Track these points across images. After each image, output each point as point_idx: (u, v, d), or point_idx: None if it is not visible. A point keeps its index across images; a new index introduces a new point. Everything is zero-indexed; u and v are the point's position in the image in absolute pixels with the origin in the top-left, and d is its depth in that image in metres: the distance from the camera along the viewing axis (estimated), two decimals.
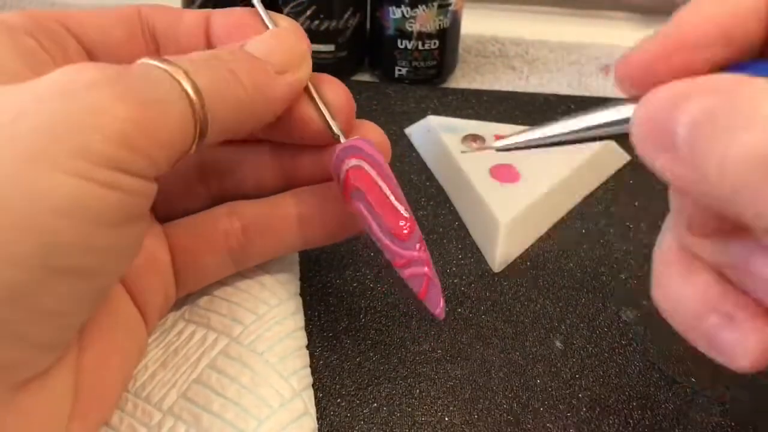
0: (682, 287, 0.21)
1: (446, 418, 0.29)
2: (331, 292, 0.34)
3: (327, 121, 0.27)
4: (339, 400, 0.30)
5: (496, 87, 0.52)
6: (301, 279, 0.34)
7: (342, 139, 0.27)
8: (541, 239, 0.38)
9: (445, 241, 0.38)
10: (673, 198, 0.21)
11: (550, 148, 0.22)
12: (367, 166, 0.27)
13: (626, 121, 0.20)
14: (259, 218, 0.29)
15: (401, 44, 0.48)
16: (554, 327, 0.33)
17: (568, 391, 0.30)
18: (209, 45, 0.28)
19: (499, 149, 0.23)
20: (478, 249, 0.37)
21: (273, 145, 0.30)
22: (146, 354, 0.29)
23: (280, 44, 0.26)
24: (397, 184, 0.27)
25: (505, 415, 0.30)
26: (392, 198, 0.27)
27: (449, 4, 0.47)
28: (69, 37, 0.26)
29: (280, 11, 0.48)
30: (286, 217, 0.29)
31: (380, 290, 0.35)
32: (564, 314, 0.34)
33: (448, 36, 0.49)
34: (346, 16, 0.48)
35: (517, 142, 0.22)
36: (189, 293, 0.30)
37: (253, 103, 0.24)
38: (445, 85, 0.51)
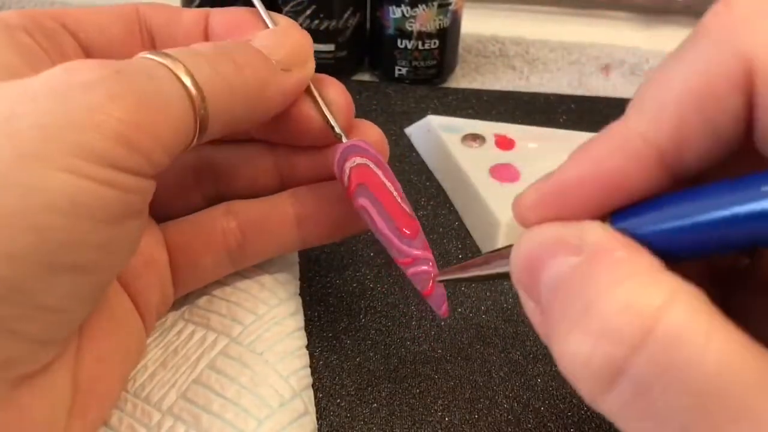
0: None
1: (446, 418, 0.29)
2: (331, 292, 0.34)
3: (328, 120, 0.27)
4: (339, 400, 0.30)
5: (497, 87, 0.52)
6: (301, 279, 0.33)
7: (344, 139, 0.27)
8: None
9: (445, 241, 0.38)
10: None
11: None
12: (372, 165, 0.27)
13: None
14: (256, 218, 0.29)
15: (401, 44, 0.48)
16: None
17: (568, 391, 0.30)
18: None
19: (439, 281, 0.26)
20: (478, 249, 0.37)
21: (270, 146, 0.30)
22: (146, 354, 0.29)
23: (286, 41, 0.26)
24: (399, 186, 0.27)
25: (505, 414, 0.29)
26: (398, 197, 0.27)
27: (449, 4, 0.47)
28: (66, 35, 0.26)
29: (279, 11, 0.48)
30: (284, 217, 0.29)
31: (380, 290, 0.35)
32: None
33: (448, 35, 0.49)
34: (346, 15, 0.48)
35: (457, 277, 0.23)
36: (187, 293, 0.30)
37: (256, 97, 0.25)
38: (445, 85, 0.51)
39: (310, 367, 0.30)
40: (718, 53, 0.16)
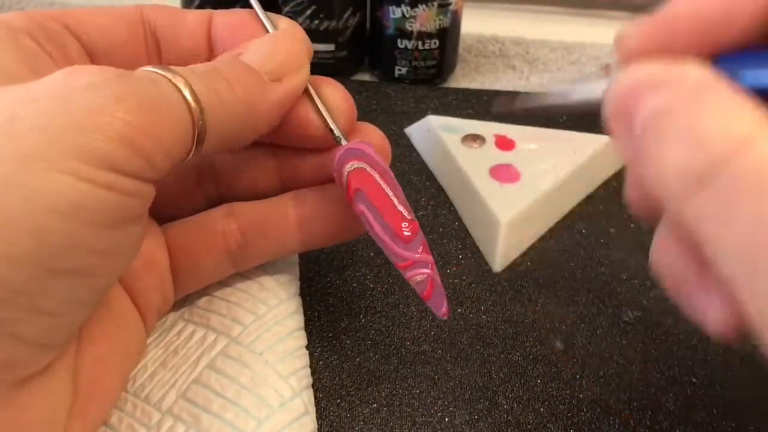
0: (665, 249, 0.21)
1: (446, 419, 0.29)
2: (331, 292, 0.34)
3: (328, 123, 0.27)
4: (339, 400, 0.30)
5: (497, 87, 0.52)
6: (301, 279, 0.33)
7: (343, 142, 0.27)
8: (541, 239, 0.38)
9: (445, 241, 0.38)
10: None
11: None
12: (369, 168, 0.27)
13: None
14: (257, 219, 0.29)
15: (401, 44, 0.48)
16: (554, 327, 0.33)
17: (568, 392, 0.30)
18: (211, 46, 0.28)
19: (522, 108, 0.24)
20: (478, 249, 0.37)
21: (272, 148, 0.30)
22: (146, 354, 0.29)
23: (277, 50, 0.26)
24: (399, 187, 0.27)
25: (505, 415, 0.29)
26: (395, 200, 0.26)
27: (449, 4, 0.47)
28: (69, 37, 0.26)
29: (279, 11, 0.48)
30: (285, 219, 0.29)
31: (380, 290, 0.35)
32: (564, 314, 0.34)
33: (448, 35, 0.49)
34: (346, 15, 0.48)
35: (535, 106, 0.23)
36: (187, 296, 0.30)
37: (248, 114, 0.25)
38: (445, 85, 0.51)
39: (310, 367, 0.30)
40: None
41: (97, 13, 0.27)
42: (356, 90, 0.47)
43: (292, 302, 0.31)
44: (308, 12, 0.47)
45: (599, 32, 0.57)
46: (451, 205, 0.40)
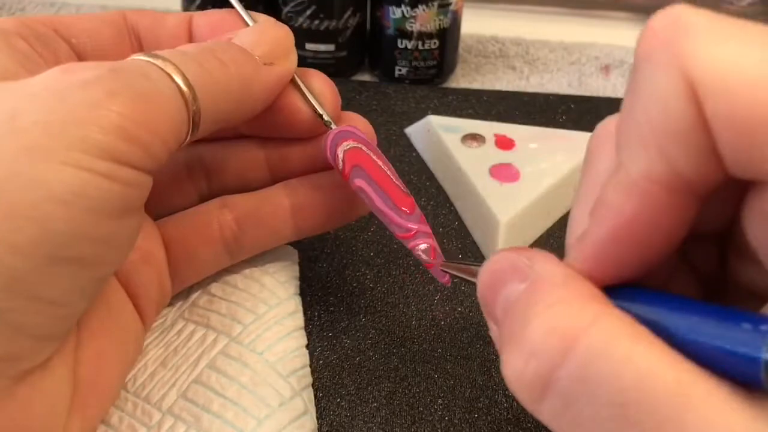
0: None
1: (446, 417, 0.29)
2: (331, 292, 0.34)
3: (316, 109, 0.28)
4: (339, 400, 0.30)
5: (497, 87, 0.52)
6: (301, 279, 0.34)
7: (333, 126, 0.28)
8: (541, 239, 0.38)
9: (445, 241, 0.38)
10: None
11: None
12: (364, 148, 0.28)
13: None
14: (251, 209, 0.30)
15: (401, 44, 0.48)
16: None
17: None
18: None
19: (443, 269, 0.26)
20: (478, 248, 0.37)
21: (260, 141, 0.31)
22: (146, 353, 0.29)
23: (266, 37, 0.27)
24: (392, 168, 0.28)
25: (505, 413, 0.29)
26: (392, 176, 0.28)
27: (449, 4, 0.47)
28: (59, 40, 0.27)
29: (279, 11, 0.48)
30: (279, 208, 0.30)
31: (380, 290, 0.35)
32: None
33: (448, 36, 0.49)
34: (346, 15, 0.48)
35: (459, 276, 0.25)
36: (186, 287, 0.30)
37: (242, 93, 0.25)
38: (445, 85, 0.51)
39: (310, 366, 0.30)
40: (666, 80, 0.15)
41: (84, 18, 0.28)
42: (356, 90, 0.47)
43: (292, 302, 0.31)
44: (308, 12, 0.47)
45: (599, 32, 0.57)
46: (451, 205, 0.40)
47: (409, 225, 0.27)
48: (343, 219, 0.31)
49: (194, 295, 0.31)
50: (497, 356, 0.32)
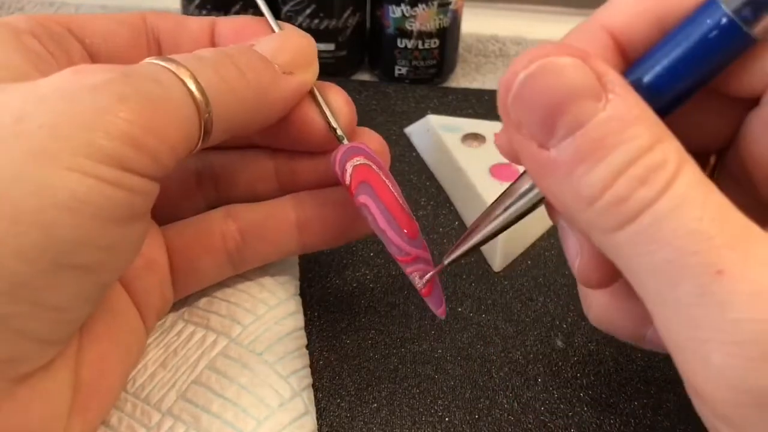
0: (613, 313, 0.23)
1: (447, 418, 0.29)
2: (331, 292, 0.34)
3: (330, 123, 0.28)
4: (339, 400, 0.30)
5: (497, 86, 0.51)
6: (301, 279, 0.33)
7: (345, 142, 0.28)
8: (541, 238, 0.38)
9: (445, 241, 0.38)
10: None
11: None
12: (374, 166, 0.27)
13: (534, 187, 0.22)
14: (256, 221, 0.29)
15: (401, 43, 0.48)
16: (555, 326, 0.33)
17: (569, 391, 0.30)
18: None
19: (449, 264, 0.25)
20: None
21: (271, 152, 0.30)
22: (145, 354, 0.29)
23: (289, 45, 0.27)
24: (400, 191, 0.27)
25: (506, 414, 0.29)
26: (399, 198, 0.27)
27: (449, 3, 0.47)
28: (72, 40, 0.26)
29: (279, 10, 0.48)
30: (284, 221, 0.29)
31: (380, 290, 0.34)
32: (565, 313, 0.34)
33: (448, 35, 0.49)
34: (345, 15, 0.48)
35: (462, 252, 0.25)
36: (186, 297, 0.30)
37: (258, 101, 0.25)
38: (445, 85, 0.51)
39: (310, 367, 0.30)
40: None
41: (99, 18, 0.27)
42: (356, 90, 0.47)
43: (292, 302, 0.31)
44: (308, 11, 0.47)
45: None
46: (451, 205, 0.40)
47: (409, 248, 0.26)
48: (349, 236, 0.30)
49: (194, 297, 0.31)
50: (497, 357, 0.32)
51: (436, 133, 0.42)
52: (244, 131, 0.26)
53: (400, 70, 0.50)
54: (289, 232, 0.29)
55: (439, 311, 0.27)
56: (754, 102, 0.21)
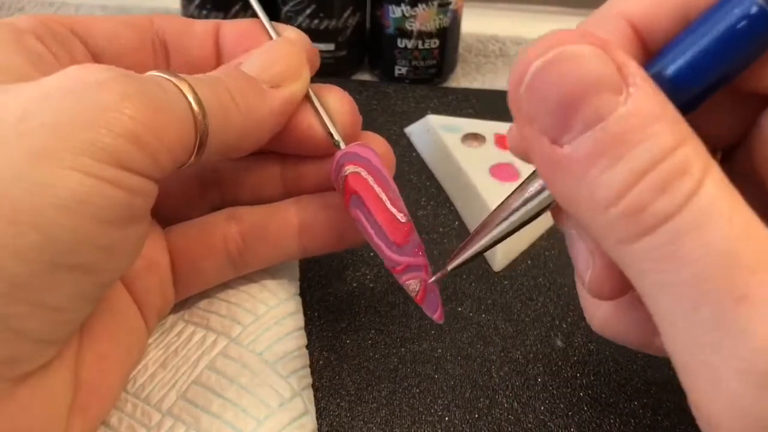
0: (619, 322, 0.22)
1: (447, 418, 0.29)
2: (331, 292, 0.34)
3: (328, 128, 0.28)
4: (339, 400, 0.30)
5: (497, 86, 0.52)
6: (301, 279, 0.33)
7: (342, 146, 0.27)
8: (541, 238, 0.38)
9: (445, 240, 0.38)
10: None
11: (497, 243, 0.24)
12: (363, 173, 0.27)
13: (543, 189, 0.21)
14: (258, 224, 0.29)
15: (401, 43, 0.48)
16: (555, 325, 0.33)
17: (569, 390, 0.30)
18: (218, 54, 0.29)
19: (452, 270, 0.25)
20: None
21: (278, 156, 0.30)
22: (146, 355, 0.29)
23: (276, 58, 0.27)
24: (395, 189, 0.27)
25: (506, 414, 0.29)
26: (388, 204, 0.27)
27: (449, 3, 0.47)
28: (76, 42, 0.26)
29: (279, 11, 0.48)
30: (286, 224, 0.29)
31: (380, 290, 0.35)
32: (565, 313, 0.34)
33: (448, 35, 0.49)
34: (345, 15, 0.48)
35: (466, 258, 0.24)
36: (187, 297, 0.30)
37: (247, 123, 0.25)
38: (445, 85, 0.51)
39: (310, 366, 0.30)
40: None
41: (105, 20, 0.28)
42: (356, 90, 0.47)
43: (292, 302, 0.31)
44: (308, 11, 0.47)
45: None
46: (451, 204, 0.40)
47: (400, 258, 0.26)
48: (350, 241, 0.30)
49: (194, 297, 0.31)
50: (497, 356, 0.32)
51: (436, 133, 0.42)
52: (237, 152, 0.26)
53: (400, 70, 0.50)
54: (290, 235, 0.29)
55: (435, 316, 0.27)
56: None
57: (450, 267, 0.25)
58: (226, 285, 0.31)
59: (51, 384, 0.22)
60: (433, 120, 0.43)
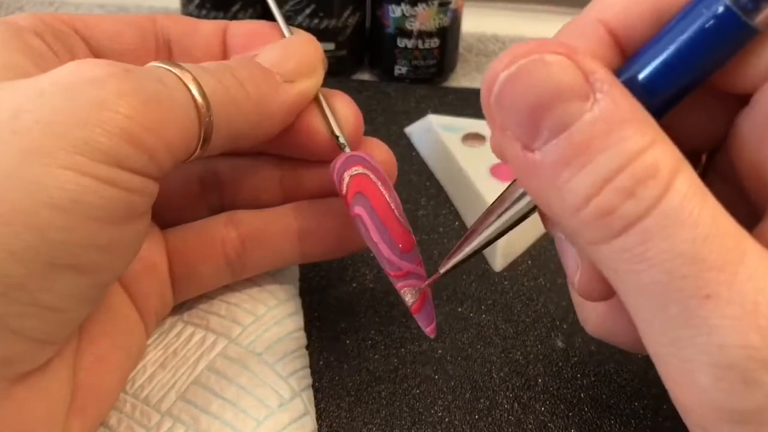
0: (612, 324, 0.23)
1: (446, 419, 0.29)
2: (331, 293, 0.34)
3: (334, 131, 0.27)
4: (339, 401, 0.30)
5: None
6: (301, 279, 0.33)
7: (347, 150, 0.27)
8: (542, 238, 0.38)
9: (445, 241, 0.38)
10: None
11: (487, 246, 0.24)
12: (372, 176, 0.26)
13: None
14: (257, 228, 0.29)
15: (401, 43, 0.48)
16: (555, 326, 0.33)
17: (569, 391, 0.30)
18: (225, 56, 0.28)
19: (444, 273, 0.25)
20: None
21: (276, 160, 0.30)
22: (145, 355, 0.28)
23: (292, 53, 0.27)
24: (399, 203, 0.27)
25: (506, 415, 0.29)
26: (396, 211, 0.26)
27: (449, 3, 0.47)
28: (77, 40, 0.26)
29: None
30: (286, 229, 0.29)
31: (380, 290, 0.34)
32: (565, 313, 0.34)
33: (448, 34, 0.49)
34: (345, 14, 0.48)
35: (458, 260, 0.24)
36: (186, 300, 0.30)
37: (258, 112, 0.25)
38: (445, 84, 0.51)
39: (310, 367, 0.30)
40: None
41: (106, 19, 0.27)
42: (356, 89, 0.47)
43: (292, 303, 0.31)
44: (308, 11, 0.47)
45: None
46: (451, 204, 0.40)
47: (401, 263, 0.26)
48: (350, 247, 0.30)
49: (193, 298, 0.30)
50: (498, 357, 0.32)
51: (437, 133, 0.42)
52: (247, 141, 0.26)
53: (400, 69, 0.49)
54: (289, 240, 0.29)
55: (428, 329, 0.26)
56: (746, 100, 0.20)
57: (442, 270, 0.25)
58: (226, 286, 0.31)
59: (49, 385, 0.22)
60: (433, 120, 0.43)
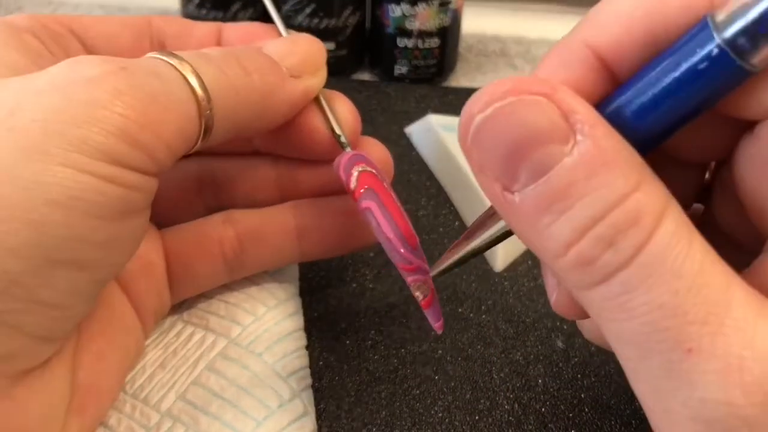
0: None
1: (447, 419, 0.29)
2: (331, 292, 0.34)
3: (335, 130, 0.27)
4: (339, 401, 0.30)
5: None
6: (301, 279, 0.33)
7: (348, 149, 0.27)
8: None
9: (445, 240, 0.37)
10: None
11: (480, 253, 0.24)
12: (378, 175, 0.27)
13: None
14: (255, 227, 0.29)
15: (401, 43, 0.48)
16: (556, 326, 0.33)
17: (569, 392, 0.30)
18: None
19: (436, 276, 0.25)
20: None
21: (273, 159, 0.30)
22: (144, 355, 0.28)
23: (298, 48, 0.26)
24: (401, 204, 0.27)
25: (506, 415, 0.29)
26: (401, 208, 0.26)
27: (449, 2, 0.47)
28: (74, 41, 0.26)
29: (279, 10, 0.48)
30: (284, 228, 0.29)
31: (380, 290, 0.34)
32: None
33: (448, 34, 0.49)
34: (345, 14, 0.48)
35: (450, 263, 0.24)
36: (185, 299, 0.30)
37: (262, 102, 0.25)
38: (445, 84, 0.51)
39: (310, 367, 0.30)
40: None
41: (102, 20, 0.27)
42: (356, 89, 0.47)
43: (292, 303, 0.31)
44: (308, 10, 0.47)
45: None
46: (451, 205, 0.40)
47: (412, 258, 0.26)
48: (349, 246, 0.30)
49: (193, 298, 0.30)
50: (498, 358, 0.32)
51: (437, 133, 0.42)
52: (248, 132, 0.26)
53: (400, 69, 0.49)
54: (288, 238, 0.29)
55: (437, 325, 0.26)
56: (752, 124, 0.19)
57: (432, 273, 0.25)
58: (225, 286, 0.31)
59: (48, 384, 0.22)
60: (433, 119, 0.43)
